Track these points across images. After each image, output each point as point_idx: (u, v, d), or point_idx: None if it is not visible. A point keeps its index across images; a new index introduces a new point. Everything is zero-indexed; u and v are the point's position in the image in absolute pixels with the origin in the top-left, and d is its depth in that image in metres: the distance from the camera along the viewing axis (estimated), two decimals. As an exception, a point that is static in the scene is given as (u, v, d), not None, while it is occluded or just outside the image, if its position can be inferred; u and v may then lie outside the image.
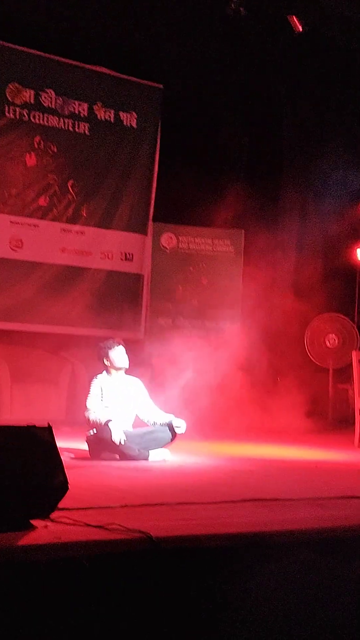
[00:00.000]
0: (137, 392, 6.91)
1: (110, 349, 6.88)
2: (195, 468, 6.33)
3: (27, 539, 3.35)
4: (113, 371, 6.86)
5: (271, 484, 5.50)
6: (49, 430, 3.69)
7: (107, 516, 3.83)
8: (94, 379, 6.88)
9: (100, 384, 6.81)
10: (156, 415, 6.83)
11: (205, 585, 3.41)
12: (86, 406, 6.72)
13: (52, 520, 3.70)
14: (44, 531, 3.52)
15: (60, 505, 3.79)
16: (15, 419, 8.35)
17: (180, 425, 6.74)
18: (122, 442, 6.44)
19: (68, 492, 3.90)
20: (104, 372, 6.90)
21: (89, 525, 3.62)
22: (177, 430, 6.73)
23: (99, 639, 3.12)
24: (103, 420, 6.53)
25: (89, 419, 6.63)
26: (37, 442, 3.64)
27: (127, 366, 6.90)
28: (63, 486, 3.63)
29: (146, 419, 6.86)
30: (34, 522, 3.62)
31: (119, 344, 6.94)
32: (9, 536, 3.38)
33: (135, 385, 6.95)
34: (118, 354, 6.87)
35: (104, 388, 6.79)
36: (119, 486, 5.17)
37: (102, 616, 3.15)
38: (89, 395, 6.79)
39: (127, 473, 5.89)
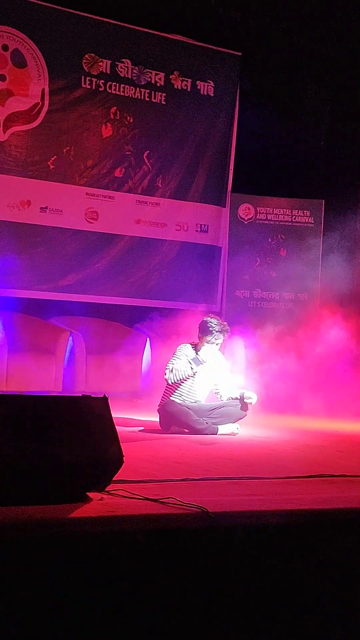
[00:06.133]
0: (219, 367, 6.72)
1: (212, 334, 6.52)
2: (265, 442, 6.19)
3: (80, 512, 3.28)
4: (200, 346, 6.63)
5: (341, 460, 5.33)
6: (104, 400, 3.61)
7: (166, 490, 3.74)
8: (180, 347, 6.65)
9: (185, 352, 6.57)
10: (229, 391, 6.69)
11: (262, 564, 3.29)
12: (167, 367, 6.52)
13: (109, 493, 3.62)
14: (99, 504, 3.44)
15: (120, 477, 3.73)
16: (92, 391, 8.38)
17: (252, 397, 6.56)
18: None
19: (130, 464, 3.83)
20: (193, 342, 6.67)
21: (145, 498, 3.54)
22: (248, 401, 6.56)
23: (145, 616, 3.04)
24: (191, 366, 6.42)
25: (174, 379, 6.45)
26: (92, 413, 3.56)
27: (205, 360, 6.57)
28: (118, 459, 3.55)
29: (220, 393, 6.73)
30: (90, 494, 3.56)
31: (222, 337, 6.60)
32: (63, 508, 3.32)
33: (219, 361, 6.74)
34: (210, 346, 6.55)
35: (189, 354, 6.56)
36: (183, 459, 5.08)
37: (152, 591, 3.07)
38: (171, 361, 6.56)
39: (193, 446, 5.80)
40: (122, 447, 3.62)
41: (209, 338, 6.54)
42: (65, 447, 3.46)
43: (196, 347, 6.62)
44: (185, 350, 6.60)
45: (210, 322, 6.59)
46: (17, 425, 3.42)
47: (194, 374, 6.48)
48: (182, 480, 4.15)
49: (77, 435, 3.51)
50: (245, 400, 6.55)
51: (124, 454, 3.61)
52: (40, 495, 3.38)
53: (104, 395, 3.66)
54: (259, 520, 3.45)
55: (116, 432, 3.59)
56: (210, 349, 6.56)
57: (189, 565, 3.21)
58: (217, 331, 6.54)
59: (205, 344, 6.56)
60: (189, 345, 6.66)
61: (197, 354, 6.54)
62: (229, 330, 6.70)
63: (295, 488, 4.15)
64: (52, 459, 3.42)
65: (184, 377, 6.44)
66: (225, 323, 6.70)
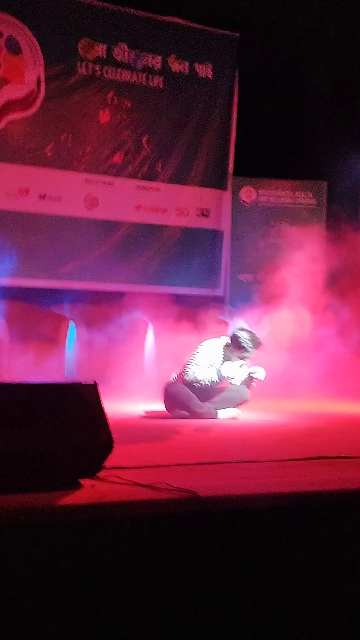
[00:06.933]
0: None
1: (246, 350, 6.40)
2: (265, 426, 6.15)
3: (69, 499, 3.25)
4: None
5: (341, 441, 5.29)
6: (94, 387, 3.57)
7: (160, 475, 3.70)
8: (209, 345, 6.52)
9: (211, 353, 6.48)
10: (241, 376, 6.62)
11: (255, 548, 3.26)
12: (186, 369, 6.45)
13: (102, 479, 3.59)
14: (89, 490, 3.41)
15: (115, 463, 3.69)
16: (95, 378, 8.31)
17: (259, 371, 6.48)
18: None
19: (125, 450, 3.81)
20: (225, 345, 6.53)
21: (136, 484, 3.50)
22: (255, 376, 6.48)
23: (135, 601, 3.00)
24: (212, 377, 6.36)
25: (192, 380, 6.38)
26: (82, 400, 3.52)
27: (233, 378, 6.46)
28: (108, 444, 3.51)
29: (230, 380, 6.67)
30: (82, 481, 3.52)
31: (254, 352, 6.48)
32: (52, 495, 3.29)
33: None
34: (241, 361, 6.44)
35: (215, 359, 6.49)
36: (180, 444, 5.05)
37: (141, 576, 3.04)
38: (193, 358, 6.48)
39: (192, 430, 5.76)
40: (121, 433, 3.60)
41: (241, 354, 6.43)
42: (54, 434, 3.43)
43: (225, 352, 6.51)
44: (212, 353, 6.48)
45: (243, 337, 6.43)
46: (6, 413, 3.39)
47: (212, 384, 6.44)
48: (177, 465, 4.11)
49: (66, 422, 3.48)
50: (252, 375, 6.46)
51: (122, 439, 3.59)
52: (31, 483, 3.35)
53: (94, 381, 3.62)
54: (252, 504, 3.41)
55: (106, 418, 3.56)
56: (237, 364, 6.45)
57: (180, 549, 3.18)
58: (250, 347, 6.41)
59: (237, 358, 6.46)
60: (219, 346, 6.52)
61: (222, 363, 6.44)
62: (263, 344, 6.54)
63: (292, 470, 4.11)
64: (41, 446, 3.39)
65: (202, 385, 6.40)
66: (258, 335, 6.54)
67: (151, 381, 8.66)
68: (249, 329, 6.57)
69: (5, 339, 8.28)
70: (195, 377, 6.34)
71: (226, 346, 6.51)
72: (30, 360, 8.22)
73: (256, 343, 6.42)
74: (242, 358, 6.43)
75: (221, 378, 6.38)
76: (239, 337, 6.42)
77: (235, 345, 6.43)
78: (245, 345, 6.37)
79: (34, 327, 8.54)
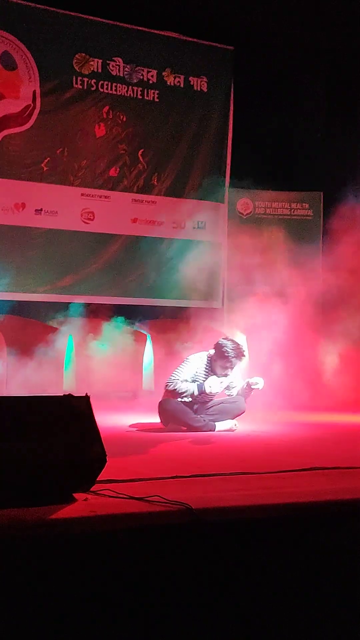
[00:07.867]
0: (231, 379, 6.62)
1: (227, 360, 6.39)
2: (262, 437, 6.14)
3: (62, 513, 3.25)
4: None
5: (337, 451, 5.29)
6: (86, 400, 3.57)
7: (154, 488, 3.69)
8: (193, 359, 6.54)
9: (196, 365, 6.49)
10: (238, 386, 6.64)
11: (249, 559, 3.25)
12: (169, 380, 6.47)
13: (95, 493, 3.59)
14: (82, 504, 3.41)
15: (110, 477, 3.70)
16: (93, 392, 8.31)
17: (258, 382, 6.48)
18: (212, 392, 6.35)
19: (120, 463, 3.80)
20: (209, 357, 6.53)
21: (130, 497, 3.50)
22: (255, 387, 6.47)
23: (125, 613, 3.00)
24: (193, 391, 6.36)
25: (173, 390, 6.39)
26: (74, 413, 3.53)
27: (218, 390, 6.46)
28: (101, 458, 3.51)
29: (231, 392, 6.67)
30: (76, 495, 3.52)
31: (237, 362, 6.48)
32: (45, 510, 3.29)
33: (229, 379, 6.62)
34: (223, 371, 6.44)
35: (199, 371, 6.50)
36: (176, 457, 5.05)
37: (133, 589, 3.03)
38: (178, 369, 6.50)
39: (188, 443, 5.76)
40: (117, 446, 3.60)
41: (223, 364, 6.42)
42: (45, 447, 3.43)
43: (210, 363, 6.51)
44: (196, 366, 6.48)
45: (226, 346, 6.42)
46: (-2, 427, 3.39)
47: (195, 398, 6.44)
48: (172, 477, 4.11)
49: (58, 435, 3.48)
50: (252, 385, 6.47)
51: (118, 452, 3.59)
52: (25, 498, 3.34)
53: (86, 394, 3.62)
54: (245, 515, 3.41)
55: (98, 432, 3.56)
56: (220, 379, 6.45)
57: (174, 562, 3.18)
58: (232, 357, 6.40)
59: (220, 369, 6.46)
60: (203, 359, 6.52)
61: (205, 377, 6.44)
62: (245, 355, 6.54)
63: (286, 482, 4.11)
64: (32, 459, 3.39)
65: (184, 397, 6.40)
66: (241, 346, 6.53)
67: (149, 394, 8.68)
68: (233, 340, 6.58)
69: (3, 353, 8.29)
70: (174, 388, 6.35)
71: (210, 357, 6.51)
72: (29, 374, 8.23)
73: (238, 353, 6.41)
74: (224, 368, 6.42)
75: (201, 391, 6.37)
76: (223, 345, 6.43)
77: (218, 354, 6.44)
78: (228, 354, 6.36)
79: (32, 341, 8.54)
